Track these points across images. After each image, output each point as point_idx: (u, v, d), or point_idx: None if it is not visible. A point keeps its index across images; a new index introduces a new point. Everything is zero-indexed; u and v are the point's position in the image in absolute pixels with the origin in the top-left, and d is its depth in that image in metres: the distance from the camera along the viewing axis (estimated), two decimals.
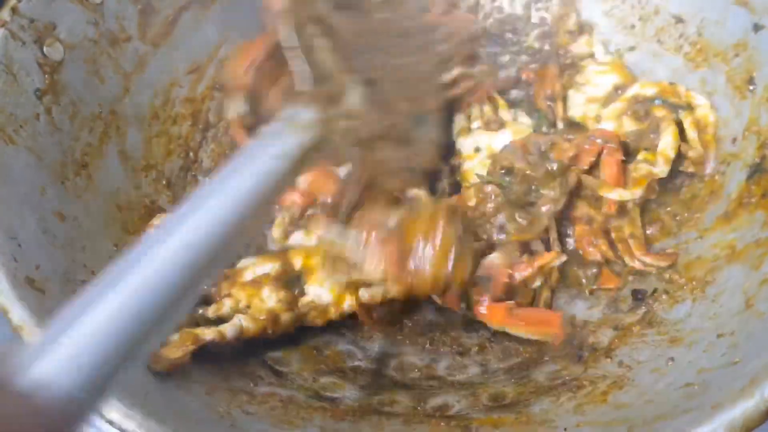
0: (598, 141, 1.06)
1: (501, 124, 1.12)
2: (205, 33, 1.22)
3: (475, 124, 1.15)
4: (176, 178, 1.16)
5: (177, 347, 0.87)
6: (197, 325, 0.97)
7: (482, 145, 1.11)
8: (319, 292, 0.97)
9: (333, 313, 0.97)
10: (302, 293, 0.98)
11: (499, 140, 1.10)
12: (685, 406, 0.76)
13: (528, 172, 1.01)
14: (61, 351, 0.44)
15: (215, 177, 0.63)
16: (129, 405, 0.71)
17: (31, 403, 0.40)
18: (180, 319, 0.57)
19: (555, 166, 1.01)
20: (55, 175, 0.97)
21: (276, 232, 1.02)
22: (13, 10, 0.97)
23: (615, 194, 1.07)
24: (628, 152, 1.09)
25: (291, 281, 0.99)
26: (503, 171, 1.02)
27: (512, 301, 0.97)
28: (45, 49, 1.00)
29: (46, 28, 1.01)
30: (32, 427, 0.38)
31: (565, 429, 0.85)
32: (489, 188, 1.00)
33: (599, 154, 1.06)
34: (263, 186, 0.63)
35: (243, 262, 1.04)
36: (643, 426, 0.76)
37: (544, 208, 1.01)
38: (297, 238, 1.01)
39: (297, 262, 0.99)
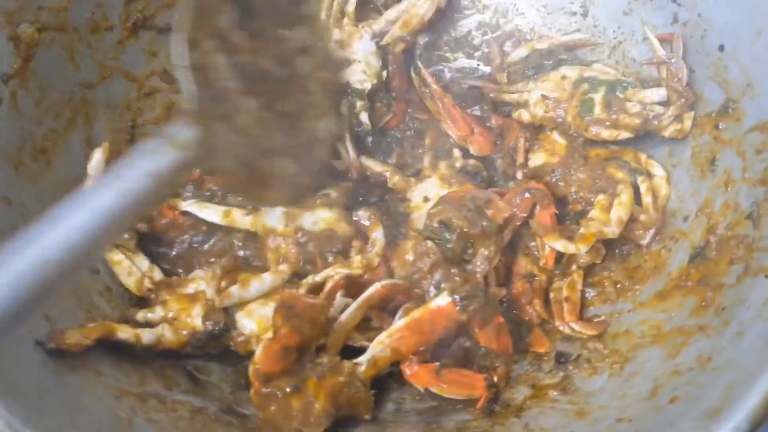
0: (529, 195, 1.07)
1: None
2: None
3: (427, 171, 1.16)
4: None
5: (80, 334, 0.89)
6: (126, 321, 1.01)
7: (431, 195, 1.12)
8: (246, 323, 0.99)
9: (254, 345, 0.98)
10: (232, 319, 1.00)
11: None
12: None
13: (465, 229, 1.01)
14: None
15: (85, 190, 0.68)
16: (18, 408, 0.74)
17: None
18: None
19: (490, 226, 1.02)
20: (7, 160, 0.99)
21: (209, 290, 1.00)
22: None
23: (560, 245, 1.08)
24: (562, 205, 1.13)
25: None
26: (441, 225, 1.02)
27: (439, 363, 0.99)
28: (18, 30, 1.02)
29: (23, 11, 1.02)
30: None
31: None
32: (427, 244, 1.01)
33: (532, 208, 1.08)
34: (131, 202, 0.67)
35: (195, 273, 1.06)
36: None
37: (479, 267, 1.01)
38: (234, 292, 1.00)
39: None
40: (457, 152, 1.21)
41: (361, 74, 1.21)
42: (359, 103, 1.21)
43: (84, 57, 1.12)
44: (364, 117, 1.21)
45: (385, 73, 1.23)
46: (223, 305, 0.98)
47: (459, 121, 1.22)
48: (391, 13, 1.24)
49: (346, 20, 1.24)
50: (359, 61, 1.21)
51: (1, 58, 1.00)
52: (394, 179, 1.15)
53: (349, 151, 1.18)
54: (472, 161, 1.20)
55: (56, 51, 1.08)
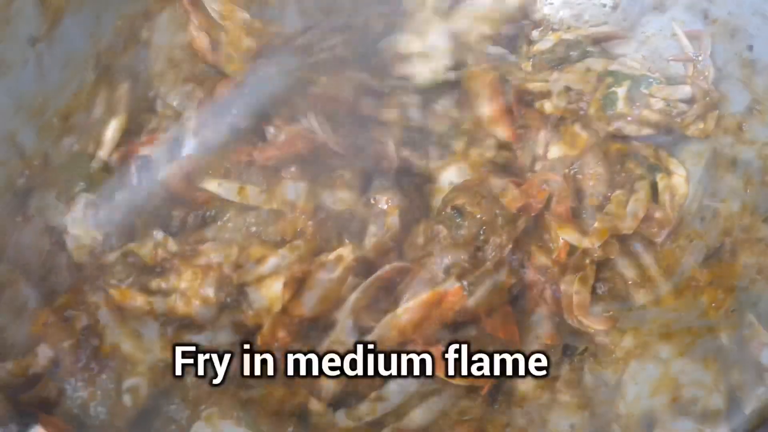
0: (547, 187, 1.07)
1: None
2: None
3: None
4: None
5: None
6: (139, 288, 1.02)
7: (456, 181, 1.11)
8: (257, 296, 0.99)
9: (264, 318, 0.98)
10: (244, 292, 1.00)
11: None
12: None
13: (478, 216, 1.01)
14: None
15: None
16: None
17: None
18: None
19: (503, 215, 1.01)
20: (32, 120, 1.01)
21: (226, 267, 1.00)
22: None
23: (573, 238, 1.06)
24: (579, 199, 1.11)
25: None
26: (453, 211, 1.02)
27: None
28: None
29: None
30: None
31: None
32: (438, 228, 1.01)
33: (549, 200, 1.07)
34: None
35: (208, 245, 1.07)
36: None
37: (489, 255, 1.01)
38: (250, 268, 1.00)
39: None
40: (490, 141, 1.19)
41: None
42: None
43: (111, 24, 1.13)
44: None
45: None
46: (240, 281, 0.99)
47: None
48: None
49: None
50: None
51: (28, 20, 1.01)
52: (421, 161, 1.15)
53: None
54: (504, 152, 1.18)
55: (83, 16, 1.08)
